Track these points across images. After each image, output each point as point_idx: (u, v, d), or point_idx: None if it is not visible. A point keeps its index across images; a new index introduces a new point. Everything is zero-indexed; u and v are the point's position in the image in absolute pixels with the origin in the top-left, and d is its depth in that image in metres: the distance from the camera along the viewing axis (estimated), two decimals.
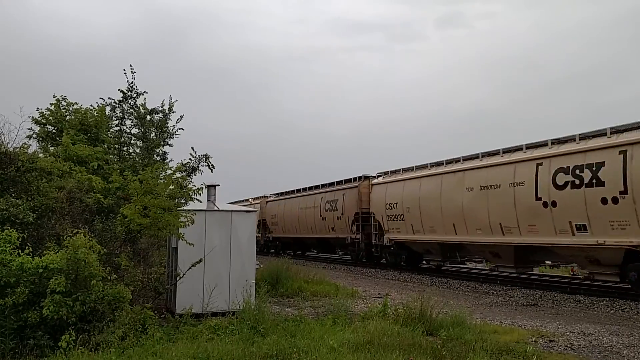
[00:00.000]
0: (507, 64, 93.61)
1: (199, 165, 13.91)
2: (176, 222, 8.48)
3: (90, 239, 7.49)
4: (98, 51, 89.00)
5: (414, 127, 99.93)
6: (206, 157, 13.83)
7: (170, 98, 15.10)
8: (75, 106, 13.89)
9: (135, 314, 7.29)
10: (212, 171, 14.20)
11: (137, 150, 14.68)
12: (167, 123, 14.97)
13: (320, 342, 6.90)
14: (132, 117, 14.44)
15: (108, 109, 14.37)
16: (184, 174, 13.03)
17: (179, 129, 15.11)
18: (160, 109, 14.99)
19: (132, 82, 14.03)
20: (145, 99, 14.53)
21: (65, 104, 13.78)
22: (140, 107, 14.58)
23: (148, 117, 14.69)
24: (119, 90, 14.07)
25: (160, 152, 14.85)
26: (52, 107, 13.44)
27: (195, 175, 13.98)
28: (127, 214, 8.33)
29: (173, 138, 15.11)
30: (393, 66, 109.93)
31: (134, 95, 14.20)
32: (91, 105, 14.23)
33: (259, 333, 7.50)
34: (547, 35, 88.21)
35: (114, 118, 14.44)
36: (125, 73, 13.95)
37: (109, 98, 14.17)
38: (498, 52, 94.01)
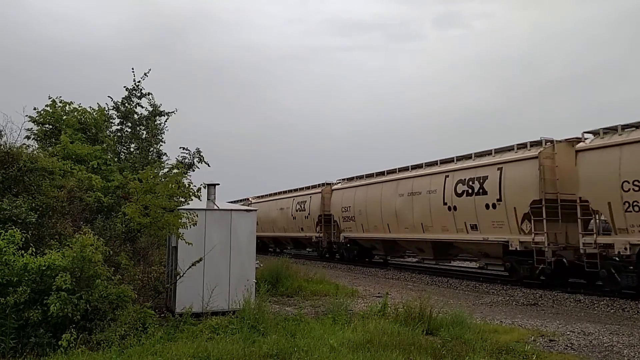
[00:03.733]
0: (506, 63, 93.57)
1: (194, 161, 13.86)
2: (176, 222, 8.49)
3: (98, 239, 7.52)
4: (96, 50, 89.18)
5: (411, 127, 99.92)
6: (198, 151, 13.77)
7: (169, 114, 15.06)
8: (72, 106, 13.84)
9: (135, 313, 7.30)
10: (208, 165, 14.15)
11: (133, 150, 14.59)
12: (155, 120, 14.82)
13: (320, 341, 6.91)
14: (133, 119, 14.29)
15: (110, 107, 14.30)
16: (181, 170, 13.00)
17: (164, 125, 14.96)
18: (164, 111, 14.83)
19: (139, 82, 13.84)
20: (146, 99, 14.41)
21: (60, 103, 13.74)
22: (151, 106, 14.45)
23: (157, 120, 14.56)
24: (124, 87, 13.90)
25: (155, 150, 14.78)
26: (48, 108, 13.41)
27: (192, 171, 13.95)
28: (128, 213, 8.36)
29: (163, 134, 15.00)
30: (391, 65, 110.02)
31: (138, 95, 14.12)
32: (90, 107, 14.18)
33: (259, 332, 7.51)
34: (545, 35, 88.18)
35: (115, 117, 14.36)
36: (133, 71, 13.67)
37: (109, 97, 14.12)
38: (496, 51, 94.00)
